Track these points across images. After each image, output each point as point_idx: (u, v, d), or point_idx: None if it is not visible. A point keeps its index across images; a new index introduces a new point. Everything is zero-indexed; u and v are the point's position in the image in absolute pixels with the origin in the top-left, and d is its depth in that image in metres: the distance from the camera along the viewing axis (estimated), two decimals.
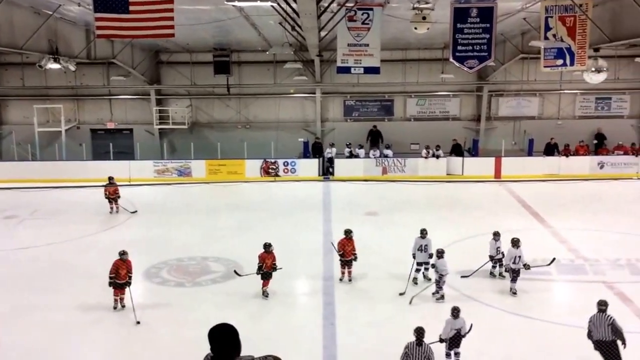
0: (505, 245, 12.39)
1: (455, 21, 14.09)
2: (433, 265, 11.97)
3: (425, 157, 23.75)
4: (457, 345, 9.20)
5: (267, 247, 11.90)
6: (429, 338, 8.42)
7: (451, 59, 14.60)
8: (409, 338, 8.32)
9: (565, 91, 26.12)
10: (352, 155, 24.52)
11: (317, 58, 21.95)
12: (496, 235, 12.78)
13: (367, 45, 15.73)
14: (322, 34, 15.67)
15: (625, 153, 24.00)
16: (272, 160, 23.79)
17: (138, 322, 10.83)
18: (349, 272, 12.81)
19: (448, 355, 9.28)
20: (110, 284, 11.35)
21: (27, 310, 11.48)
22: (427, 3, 13.11)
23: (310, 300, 12.30)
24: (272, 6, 13.38)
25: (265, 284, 11.95)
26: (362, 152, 24.64)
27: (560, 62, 15.90)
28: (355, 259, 12.71)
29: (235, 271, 12.40)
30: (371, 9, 15.26)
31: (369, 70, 16.34)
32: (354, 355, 9.86)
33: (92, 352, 10.14)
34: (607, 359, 8.71)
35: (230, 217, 18.42)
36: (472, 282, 12.58)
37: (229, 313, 10.83)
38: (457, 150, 24.43)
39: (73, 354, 10.06)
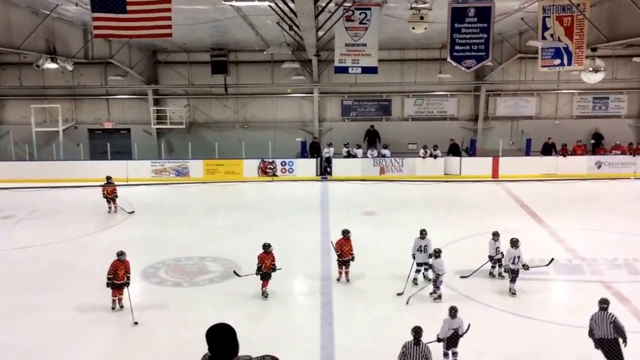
0: (504, 246, 12.40)
1: (452, 21, 14.11)
2: (430, 265, 11.98)
3: (423, 157, 23.76)
4: (455, 345, 9.22)
5: (267, 247, 11.89)
6: (426, 338, 8.43)
7: (449, 59, 14.61)
8: (406, 338, 8.32)
9: (563, 91, 26.14)
10: (349, 155, 24.51)
11: (314, 58, 21.97)
12: (495, 235, 12.78)
13: (365, 45, 15.71)
14: (320, 33, 15.69)
15: (623, 153, 24.04)
16: (270, 160, 23.78)
17: (136, 323, 10.82)
18: (347, 273, 12.82)
19: (446, 355, 9.29)
20: (108, 284, 11.33)
21: (25, 311, 11.47)
22: (424, 3, 13.11)
23: (308, 300, 12.29)
24: (269, 6, 13.39)
25: (264, 285, 11.94)
26: (359, 152, 24.63)
27: (557, 61, 15.91)
28: (352, 259, 12.71)
29: (234, 272, 12.39)
30: (369, 9, 15.25)
31: (367, 70, 16.33)
32: (352, 355, 9.86)
33: (91, 352, 10.12)
34: (608, 356, 8.73)
35: (227, 217, 18.42)
36: (472, 282, 12.58)
37: (227, 313, 10.82)
38: (454, 150, 24.45)
39: (72, 354, 10.05)
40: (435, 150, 23.83)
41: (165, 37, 11.32)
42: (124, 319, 11.08)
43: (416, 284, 12.45)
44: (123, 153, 25.16)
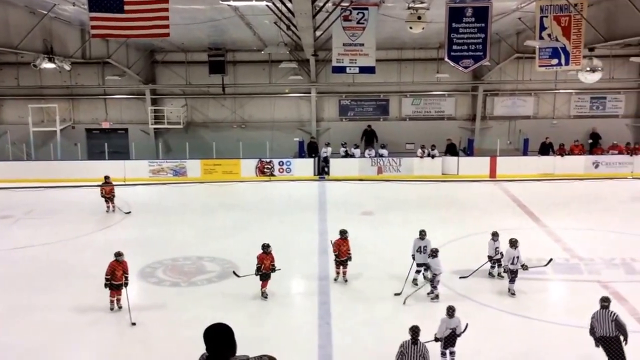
0: (503, 246, 12.40)
1: (450, 21, 14.12)
2: (428, 265, 11.99)
3: (421, 157, 23.77)
4: (452, 344, 9.22)
5: (266, 247, 11.88)
6: (424, 337, 8.43)
7: (446, 59, 14.63)
8: (404, 337, 8.32)
9: (560, 91, 26.20)
10: (347, 155, 24.51)
11: (312, 58, 21.98)
12: (495, 235, 12.77)
13: (363, 44, 15.73)
14: (317, 33, 15.67)
15: (620, 152, 24.08)
16: (268, 160, 23.77)
17: (134, 324, 10.80)
18: (344, 272, 12.82)
19: (443, 354, 9.29)
20: (107, 285, 11.30)
21: (24, 311, 11.45)
22: (422, 3, 13.14)
23: (306, 300, 12.27)
24: (267, 6, 13.36)
25: (264, 285, 11.92)
26: (357, 151, 24.64)
27: (555, 61, 15.95)
28: (349, 259, 12.70)
29: (234, 272, 12.38)
30: (366, 9, 15.26)
31: (364, 70, 16.34)
32: (350, 354, 9.87)
33: (90, 352, 10.12)
34: (610, 354, 8.75)
35: (225, 216, 18.40)
36: (471, 282, 12.58)
37: (225, 313, 10.78)
38: (452, 150, 24.47)
39: (71, 354, 10.04)
40: (432, 150, 23.85)
41: (162, 36, 11.33)
42: (123, 319, 11.06)
43: (416, 284, 12.42)
44: (120, 153, 25.16)
